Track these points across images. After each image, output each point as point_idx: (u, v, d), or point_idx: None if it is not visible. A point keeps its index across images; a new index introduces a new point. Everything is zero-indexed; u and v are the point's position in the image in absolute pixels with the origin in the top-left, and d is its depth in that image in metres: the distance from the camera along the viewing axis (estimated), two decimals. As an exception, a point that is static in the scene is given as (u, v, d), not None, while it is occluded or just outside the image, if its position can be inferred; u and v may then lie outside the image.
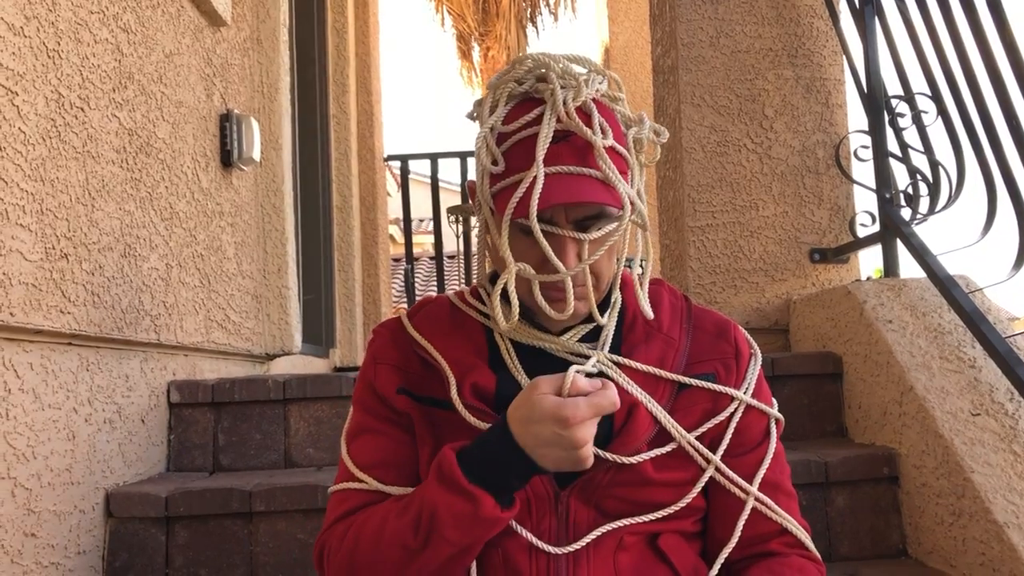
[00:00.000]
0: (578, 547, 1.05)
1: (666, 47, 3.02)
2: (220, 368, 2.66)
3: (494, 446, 0.97)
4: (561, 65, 1.07)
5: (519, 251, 1.05)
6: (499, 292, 1.07)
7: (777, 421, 1.16)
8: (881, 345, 2.09)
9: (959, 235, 2.22)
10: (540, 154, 1.02)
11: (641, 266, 1.15)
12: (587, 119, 1.04)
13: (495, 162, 1.07)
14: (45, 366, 1.65)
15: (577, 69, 1.08)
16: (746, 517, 1.10)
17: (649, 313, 1.13)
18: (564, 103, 1.04)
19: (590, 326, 1.13)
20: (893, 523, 1.97)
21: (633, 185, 1.08)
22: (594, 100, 1.06)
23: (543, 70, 1.07)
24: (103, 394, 1.88)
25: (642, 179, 1.10)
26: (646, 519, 1.07)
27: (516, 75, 1.09)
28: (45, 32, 1.64)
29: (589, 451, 0.93)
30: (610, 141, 1.04)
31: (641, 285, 1.14)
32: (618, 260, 1.14)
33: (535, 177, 1.00)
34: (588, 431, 0.92)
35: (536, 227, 0.99)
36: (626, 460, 1.05)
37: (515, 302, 1.06)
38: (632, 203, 1.03)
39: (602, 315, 1.13)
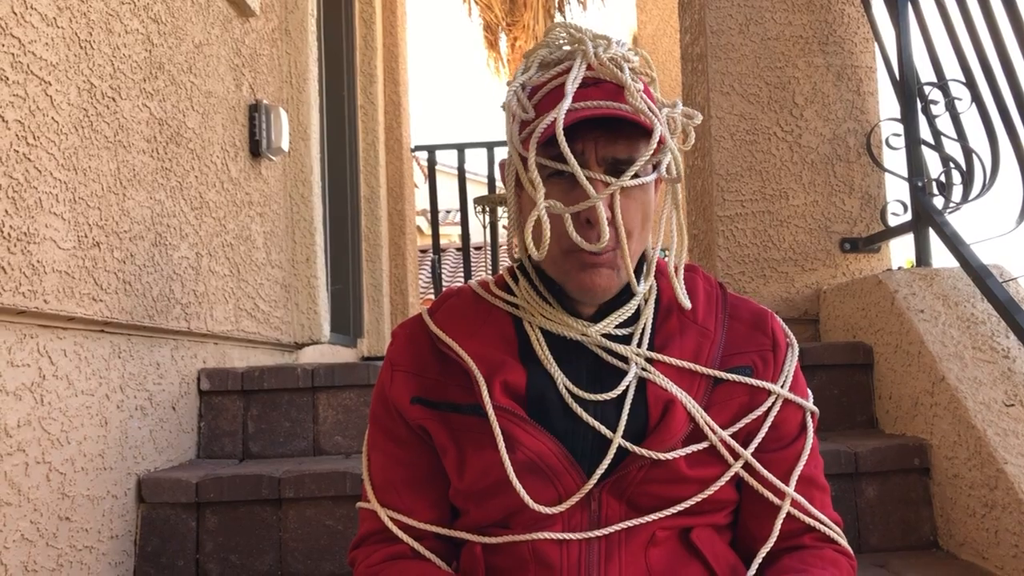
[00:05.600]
0: (608, 532, 1.03)
1: (695, 35, 3.00)
2: (249, 356, 2.68)
3: None
4: (592, 32, 1.07)
5: (549, 198, 1.02)
6: (531, 226, 1.02)
7: (812, 414, 1.13)
8: (912, 335, 2.07)
9: (993, 224, 2.19)
10: (570, 87, 1.01)
11: (662, 254, 1.13)
12: (619, 69, 1.03)
13: (525, 111, 1.05)
14: (78, 353, 1.68)
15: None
16: (783, 518, 1.08)
17: (686, 303, 1.10)
18: (595, 53, 1.03)
19: (626, 312, 1.10)
20: (924, 515, 1.95)
21: (670, 151, 1.04)
22: (630, 70, 1.05)
23: (576, 33, 1.07)
24: (135, 381, 1.91)
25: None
26: (673, 511, 1.05)
27: (548, 43, 1.09)
28: (77, 23, 1.66)
29: None
30: (641, 88, 1.02)
31: (676, 271, 1.11)
32: (670, 241, 1.12)
33: (563, 104, 0.99)
34: None
35: (562, 138, 0.96)
36: (661, 456, 1.02)
37: (545, 231, 1.01)
38: (663, 142, 1.01)
39: (630, 296, 1.09)
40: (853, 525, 1.93)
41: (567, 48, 1.07)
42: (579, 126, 1.00)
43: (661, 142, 1.01)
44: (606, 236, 0.99)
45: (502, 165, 1.13)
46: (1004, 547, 1.70)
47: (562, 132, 0.97)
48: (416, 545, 1.11)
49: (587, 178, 0.99)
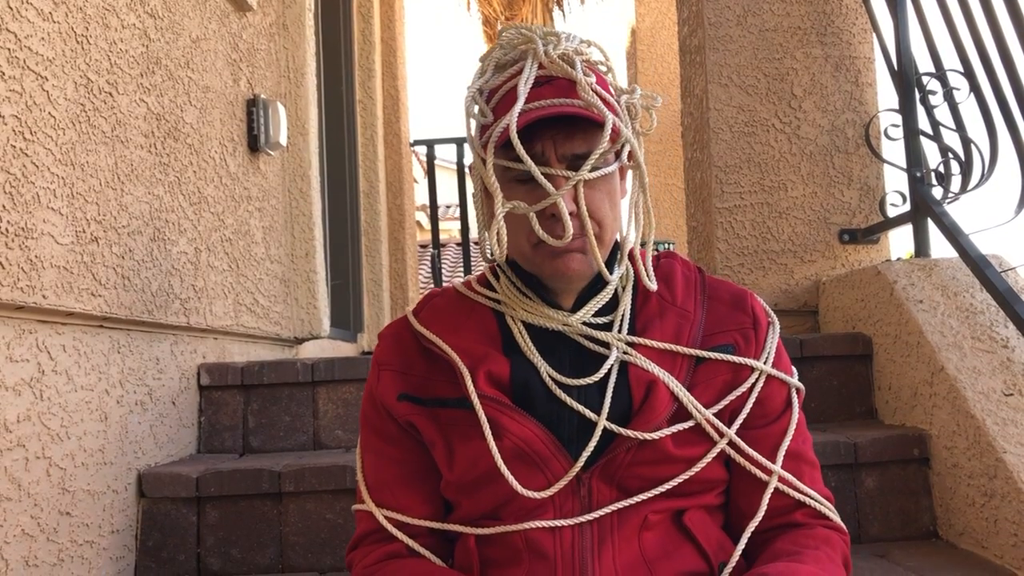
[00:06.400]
0: (600, 515, 1.04)
1: (693, 27, 2.99)
2: (249, 351, 2.68)
3: None
4: (543, 29, 1.09)
5: (514, 199, 1.04)
6: (495, 230, 1.05)
7: (798, 390, 1.15)
8: (912, 325, 2.07)
9: (992, 213, 2.19)
10: (522, 88, 1.02)
11: (659, 245, 1.14)
12: (570, 65, 1.05)
13: (484, 115, 1.08)
14: (77, 348, 1.68)
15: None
16: (770, 493, 1.09)
17: (651, 285, 1.12)
18: (546, 52, 1.05)
19: (604, 299, 1.11)
20: (924, 504, 1.95)
21: (627, 140, 1.06)
22: (583, 63, 1.07)
23: (527, 33, 1.08)
24: (134, 376, 1.91)
25: (639, 142, 1.10)
26: (661, 490, 1.05)
27: (502, 45, 1.10)
28: (74, 17, 1.66)
29: None
30: (593, 80, 1.04)
31: (643, 256, 1.13)
32: (637, 226, 1.13)
33: (515, 106, 1.01)
34: None
35: (516, 141, 0.99)
36: (646, 436, 1.03)
37: (503, 235, 1.05)
38: (619, 132, 1.02)
39: (606, 284, 1.11)
40: (853, 515, 1.93)
41: (522, 48, 1.09)
42: (536, 126, 1.02)
43: (616, 132, 1.03)
44: (570, 232, 1.01)
45: (471, 168, 1.14)
46: (1003, 536, 1.70)
47: (516, 134, 0.99)
48: (411, 543, 1.13)
49: (549, 175, 1.02)
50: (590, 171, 1.02)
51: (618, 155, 1.06)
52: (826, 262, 2.78)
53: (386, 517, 1.13)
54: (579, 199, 1.02)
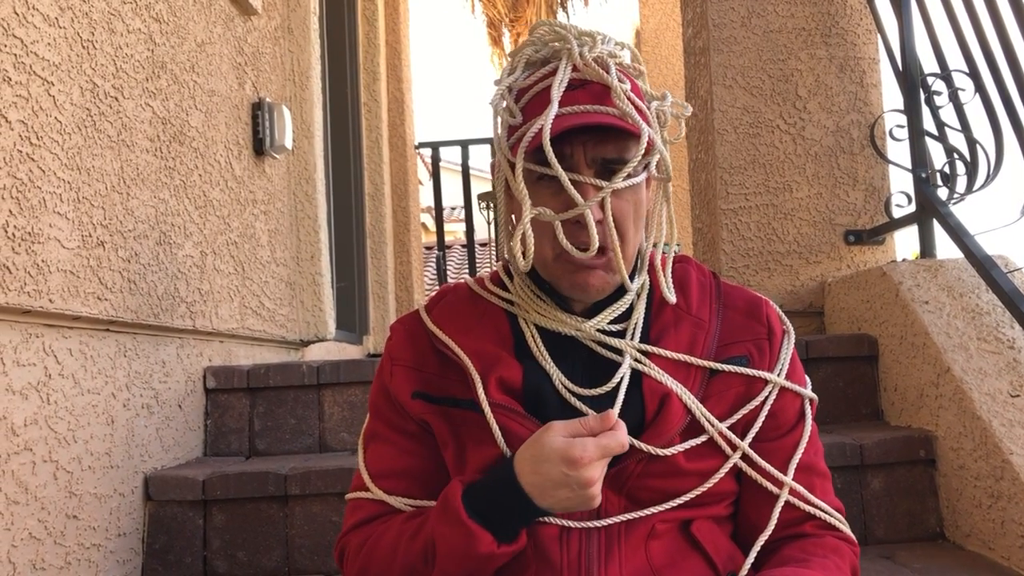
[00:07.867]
0: (608, 523, 1.03)
1: (697, 28, 2.99)
2: (255, 354, 2.69)
3: (498, 483, 0.99)
4: (578, 29, 1.07)
5: (539, 203, 1.03)
6: (519, 237, 1.03)
7: (811, 401, 1.13)
8: (917, 326, 2.06)
9: (998, 214, 2.18)
10: (556, 92, 1.00)
11: (664, 249, 1.13)
12: (605, 69, 1.03)
13: (513, 115, 1.05)
14: (84, 352, 1.68)
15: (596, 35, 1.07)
16: (781, 506, 1.08)
17: (671, 298, 1.10)
18: (580, 54, 1.03)
19: (620, 308, 1.10)
20: (930, 506, 1.95)
21: (659, 152, 1.05)
22: (617, 67, 1.05)
23: (560, 30, 1.06)
24: (140, 379, 1.91)
25: (666, 148, 1.09)
26: (669, 505, 1.04)
27: (533, 41, 1.08)
28: (79, 23, 1.66)
29: (597, 490, 0.96)
30: (628, 87, 1.02)
31: (664, 265, 1.11)
32: (660, 236, 1.12)
33: (550, 112, 0.99)
34: (596, 471, 0.95)
35: (549, 149, 0.97)
36: (659, 452, 1.02)
37: (529, 243, 1.03)
38: (652, 143, 1.01)
39: (624, 292, 1.10)
40: (859, 517, 1.93)
41: (555, 44, 1.07)
42: (568, 130, 1.00)
43: (650, 143, 1.01)
44: (595, 244, 1.00)
45: (493, 167, 1.13)
46: (1010, 537, 1.70)
47: (549, 143, 0.97)
48: (413, 502, 1.11)
49: (577, 182, 1.00)
50: (620, 181, 1.00)
51: (647, 165, 1.04)
52: (831, 263, 2.78)
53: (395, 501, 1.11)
54: (606, 208, 1.00)
